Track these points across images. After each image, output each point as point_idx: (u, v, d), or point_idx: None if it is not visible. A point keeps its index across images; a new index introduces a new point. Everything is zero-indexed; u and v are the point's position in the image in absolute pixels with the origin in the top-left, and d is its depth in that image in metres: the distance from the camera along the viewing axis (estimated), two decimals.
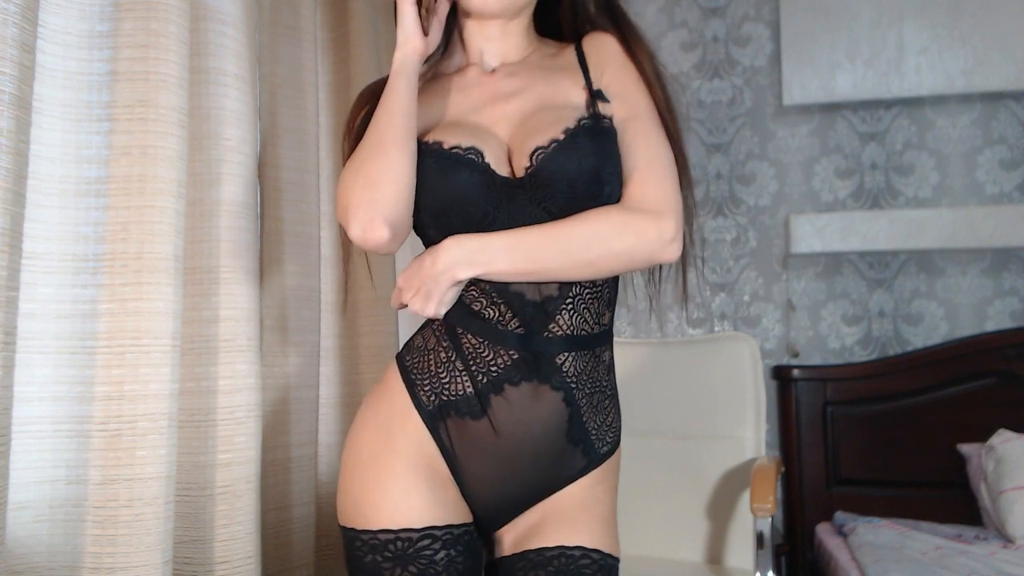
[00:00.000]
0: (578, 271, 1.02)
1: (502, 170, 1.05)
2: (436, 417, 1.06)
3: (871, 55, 2.81)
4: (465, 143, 1.04)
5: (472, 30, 1.16)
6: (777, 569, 1.97)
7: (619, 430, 1.11)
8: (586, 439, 1.06)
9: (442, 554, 1.02)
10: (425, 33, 1.10)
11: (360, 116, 1.13)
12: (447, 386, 1.05)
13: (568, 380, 1.04)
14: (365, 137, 1.05)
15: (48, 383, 1.17)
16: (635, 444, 2.34)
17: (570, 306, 1.04)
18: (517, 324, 1.04)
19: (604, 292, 1.08)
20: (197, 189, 1.36)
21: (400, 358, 1.11)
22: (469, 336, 1.05)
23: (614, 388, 1.11)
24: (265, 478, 1.50)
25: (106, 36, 1.23)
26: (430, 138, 1.06)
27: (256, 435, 1.38)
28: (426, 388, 1.07)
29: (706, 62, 3.00)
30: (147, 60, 1.21)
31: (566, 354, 1.04)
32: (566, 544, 1.04)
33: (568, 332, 1.04)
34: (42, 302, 1.17)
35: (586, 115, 1.06)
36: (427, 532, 1.02)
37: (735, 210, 2.96)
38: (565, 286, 1.04)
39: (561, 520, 1.06)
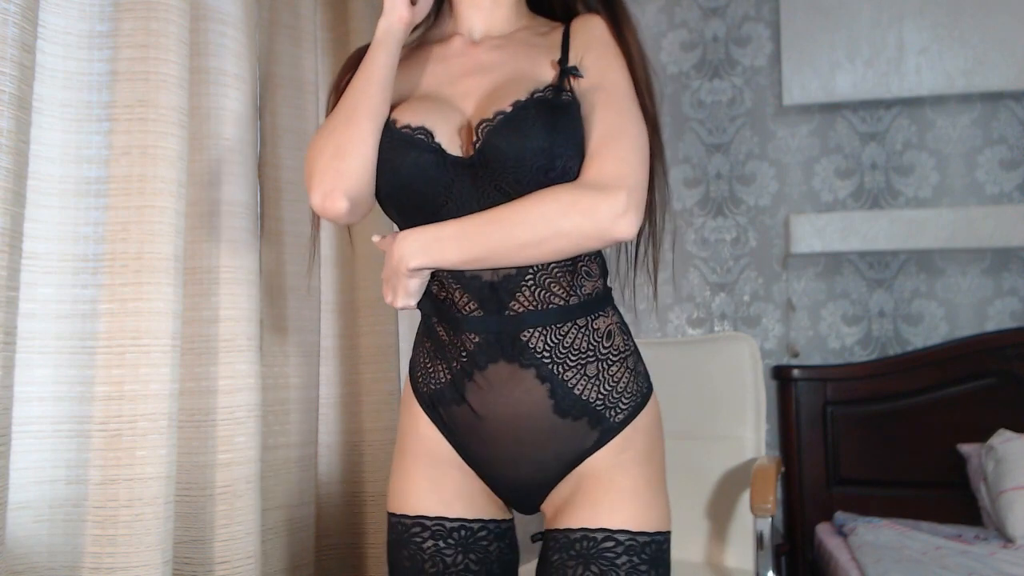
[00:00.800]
0: (526, 254, 0.98)
1: (455, 149, 1.02)
2: (431, 404, 1.08)
3: (871, 55, 2.81)
4: (415, 122, 1.03)
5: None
6: (777, 569, 1.97)
7: (637, 395, 1.06)
8: (588, 410, 1.03)
9: (429, 544, 1.06)
10: (413, 2, 1.08)
11: (346, 80, 1.11)
12: (432, 375, 1.08)
13: (539, 356, 1.02)
14: (338, 105, 1.05)
15: (48, 383, 1.17)
16: None
17: (531, 282, 1.02)
18: (475, 307, 1.03)
19: (579, 265, 1.05)
20: (197, 189, 1.36)
21: (416, 344, 1.16)
22: (442, 326, 1.06)
23: (623, 353, 1.07)
24: (265, 478, 1.50)
25: (106, 36, 1.23)
26: (391, 115, 1.05)
27: (256, 435, 1.38)
28: (419, 379, 1.10)
29: (706, 62, 3.00)
30: (147, 60, 1.21)
31: (532, 330, 1.02)
32: (589, 526, 1.01)
33: (532, 308, 1.02)
34: (42, 302, 1.17)
35: (541, 89, 1.03)
36: (417, 521, 1.07)
37: (735, 210, 2.96)
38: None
39: (586, 498, 1.03)
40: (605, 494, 1.02)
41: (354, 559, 1.82)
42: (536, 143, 0.98)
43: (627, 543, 1.00)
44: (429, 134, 1.02)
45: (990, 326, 2.76)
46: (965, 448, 2.59)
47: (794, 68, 2.86)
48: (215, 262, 1.36)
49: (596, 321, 1.05)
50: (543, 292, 1.02)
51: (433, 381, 1.07)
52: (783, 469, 2.72)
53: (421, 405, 1.09)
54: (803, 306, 2.90)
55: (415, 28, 1.13)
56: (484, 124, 1.01)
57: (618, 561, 0.99)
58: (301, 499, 1.64)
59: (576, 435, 1.03)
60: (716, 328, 2.94)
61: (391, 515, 1.11)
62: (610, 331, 1.07)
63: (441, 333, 1.06)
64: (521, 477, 1.06)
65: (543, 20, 1.19)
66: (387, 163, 1.02)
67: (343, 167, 1.00)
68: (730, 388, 2.27)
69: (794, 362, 2.86)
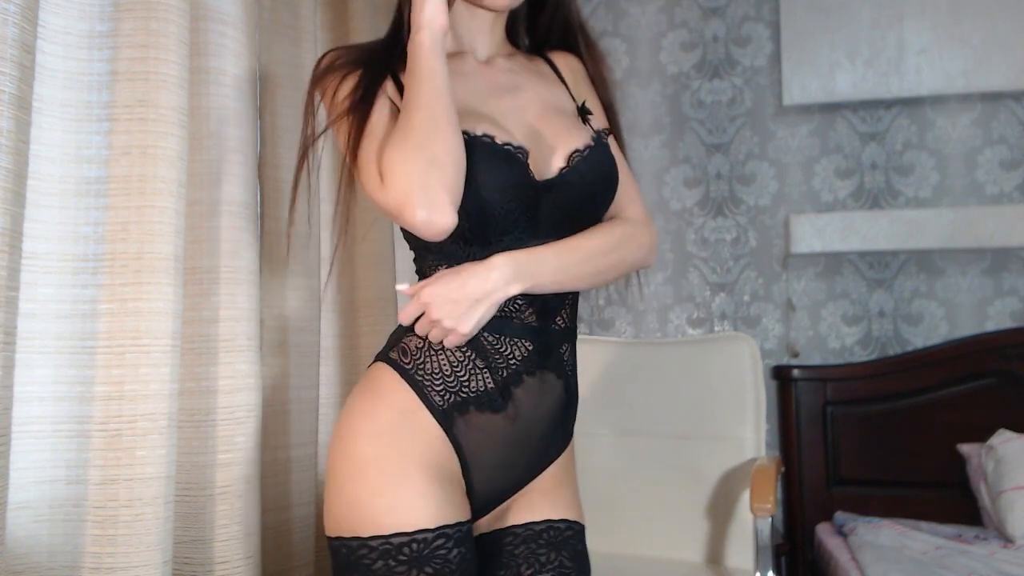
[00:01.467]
0: (595, 279, 1.11)
1: (534, 170, 1.07)
2: (450, 415, 1.05)
3: (871, 55, 2.81)
4: (516, 140, 1.06)
5: (463, 18, 1.16)
6: (777, 569, 1.97)
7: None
8: (570, 419, 1.15)
9: (455, 552, 1.00)
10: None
11: (345, 87, 1.07)
12: (465, 383, 1.05)
13: (567, 368, 1.12)
14: (410, 115, 0.99)
15: (48, 383, 1.17)
16: (635, 444, 2.34)
17: (570, 303, 1.13)
18: (534, 318, 1.09)
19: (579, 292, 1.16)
20: (197, 189, 1.36)
21: (394, 362, 1.09)
22: (486, 334, 1.06)
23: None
24: (265, 478, 1.50)
25: (106, 36, 1.23)
26: (476, 129, 1.03)
27: (256, 435, 1.38)
28: (438, 387, 1.05)
29: (706, 62, 3.00)
30: (147, 60, 1.21)
31: (566, 345, 1.13)
32: (552, 518, 1.12)
33: (566, 325, 1.13)
34: (42, 302, 1.17)
35: (596, 128, 1.15)
36: (441, 532, 1.00)
37: (735, 210, 2.96)
38: None
39: (544, 496, 1.13)
40: (561, 492, 1.14)
41: None
42: (610, 175, 1.12)
43: (580, 532, 1.14)
44: (526, 154, 1.06)
45: (990, 326, 2.76)
46: (965, 448, 2.59)
47: (794, 68, 2.86)
48: (215, 262, 1.36)
49: (576, 343, 1.17)
50: (572, 311, 1.14)
51: (466, 389, 1.05)
52: (783, 469, 2.72)
53: (433, 415, 1.05)
54: (803, 306, 2.90)
55: None
56: (576, 153, 1.09)
57: (579, 548, 1.12)
58: (301, 499, 1.64)
59: (559, 442, 1.14)
60: (716, 328, 2.94)
61: (393, 535, 0.99)
62: (577, 352, 1.18)
63: (485, 342, 1.06)
64: (510, 482, 1.11)
65: (514, 47, 1.25)
66: (485, 176, 1.01)
67: (446, 177, 0.96)
68: (730, 388, 2.27)
69: (794, 362, 2.86)
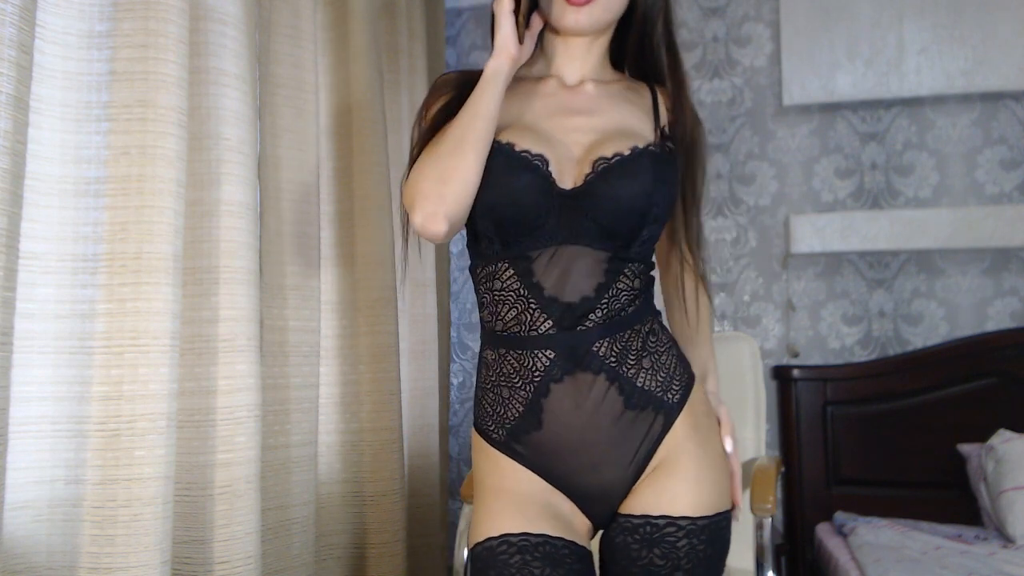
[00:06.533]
0: None
1: (563, 180, 1.12)
2: (506, 444, 1.14)
3: (871, 55, 2.81)
4: (535, 149, 1.12)
5: (556, 46, 1.23)
6: (777, 569, 1.97)
7: (686, 375, 1.17)
8: (651, 398, 1.13)
9: (516, 558, 1.09)
10: (519, 42, 1.15)
11: (437, 106, 1.18)
12: (505, 415, 1.14)
13: (607, 362, 1.11)
14: (446, 132, 1.11)
15: (47, 383, 1.17)
16: None
17: (605, 305, 1.11)
18: (550, 325, 1.10)
19: (642, 290, 1.15)
20: (197, 189, 1.36)
21: (474, 413, 1.20)
22: (511, 355, 1.13)
23: (667, 343, 1.17)
24: (265, 478, 1.50)
25: (105, 36, 1.23)
26: (503, 138, 1.13)
27: (256, 435, 1.38)
28: (490, 427, 1.15)
29: (706, 62, 3.00)
30: (146, 60, 1.21)
31: (602, 341, 1.11)
32: (651, 514, 1.10)
33: (602, 322, 1.11)
34: (41, 302, 1.17)
35: (653, 142, 1.15)
36: (503, 539, 1.10)
37: (735, 210, 2.95)
38: (601, 289, 1.11)
39: (651, 484, 1.12)
40: (668, 480, 1.12)
41: (354, 559, 1.82)
42: (641, 187, 1.11)
43: (687, 527, 1.10)
44: (545, 162, 1.12)
45: (990, 326, 2.76)
46: (965, 448, 2.59)
47: (794, 68, 2.86)
48: (215, 262, 1.36)
49: (645, 325, 1.16)
50: (611, 311, 1.12)
51: (507, 420, 1.13)
52: (783, 469, 2.72)
53: (496, 447, 1.14)
54: (803, 306, 2.90)
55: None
56: (601, 162, 1.12)
57: (679, 544, 1.10)
58: (301, 499, 1.64)
59: (646, 424, 1.12)
60: (716, 328, 2.94)
61: (474, 547, 1.13)
62: (653, 328, 1.17)
63: (509, 367, 1.13)
64: (604, 481, 1.13)
65: (622, 75, 1.28)
66: (501, 180, 1.10)
67: (446, 192, 1.08)
68: (730, 388, 2.26)
69: (794, 362, 2.86)
